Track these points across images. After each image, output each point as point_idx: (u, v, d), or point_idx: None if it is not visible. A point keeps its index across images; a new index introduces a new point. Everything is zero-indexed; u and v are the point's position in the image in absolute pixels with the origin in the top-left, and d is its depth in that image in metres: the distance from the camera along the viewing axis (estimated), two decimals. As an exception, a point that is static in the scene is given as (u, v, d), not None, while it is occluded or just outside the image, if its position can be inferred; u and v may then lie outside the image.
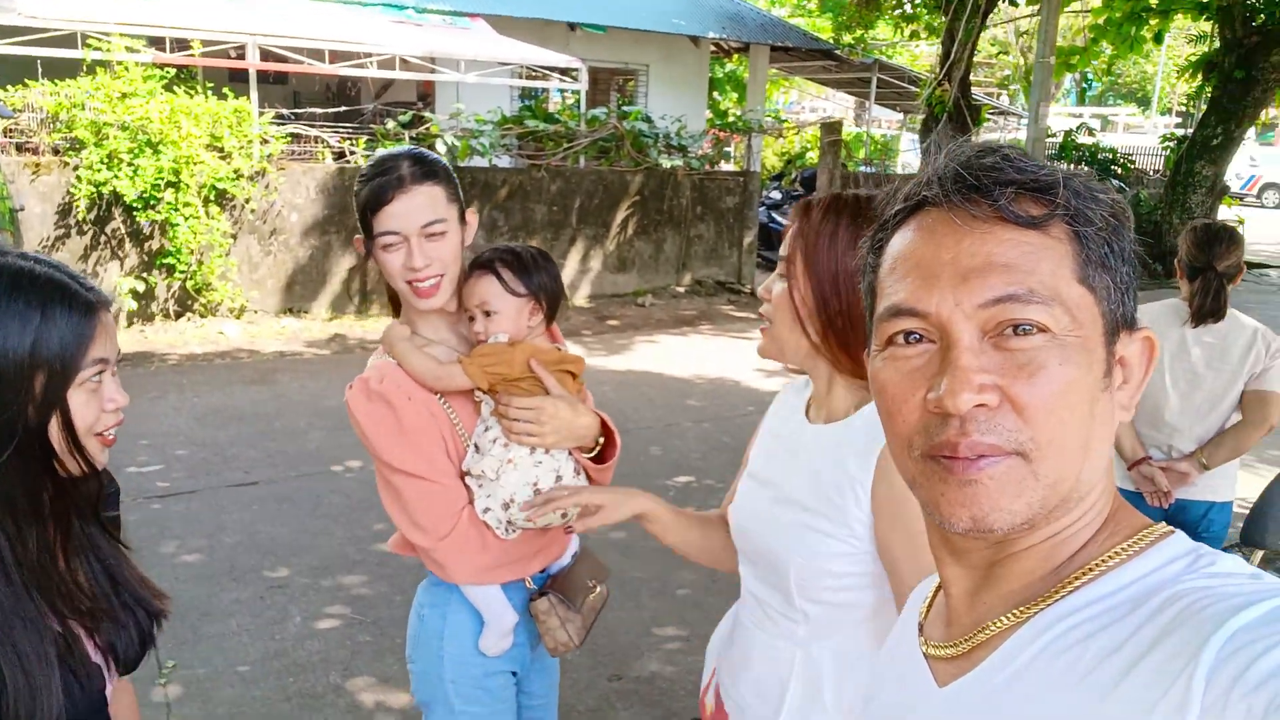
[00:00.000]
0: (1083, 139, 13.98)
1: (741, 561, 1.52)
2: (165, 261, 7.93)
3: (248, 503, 4.72)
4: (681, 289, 11.00)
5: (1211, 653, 0.56)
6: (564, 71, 11.01)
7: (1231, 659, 0.55)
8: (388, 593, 3.89)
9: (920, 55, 25.14)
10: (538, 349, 1.71)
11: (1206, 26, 13.35)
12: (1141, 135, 26.67)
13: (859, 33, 16.33)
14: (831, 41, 16.42)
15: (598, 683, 3.33)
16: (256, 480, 5.02)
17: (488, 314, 1.70)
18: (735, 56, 17.73)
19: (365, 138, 9.51)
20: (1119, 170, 13.88)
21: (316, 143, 9.36)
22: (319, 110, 10.20)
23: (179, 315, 8.30)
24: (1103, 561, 0.68)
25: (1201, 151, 12.43)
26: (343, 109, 10.72)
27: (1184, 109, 26.78)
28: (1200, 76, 12.71)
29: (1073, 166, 13.67)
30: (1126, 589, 0.66)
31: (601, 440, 1.77)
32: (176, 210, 7.70)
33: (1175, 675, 0.57)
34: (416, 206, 1.62)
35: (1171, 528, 0.70)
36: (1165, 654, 0.59)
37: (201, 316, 8.33)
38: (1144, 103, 35.23)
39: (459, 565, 1.71)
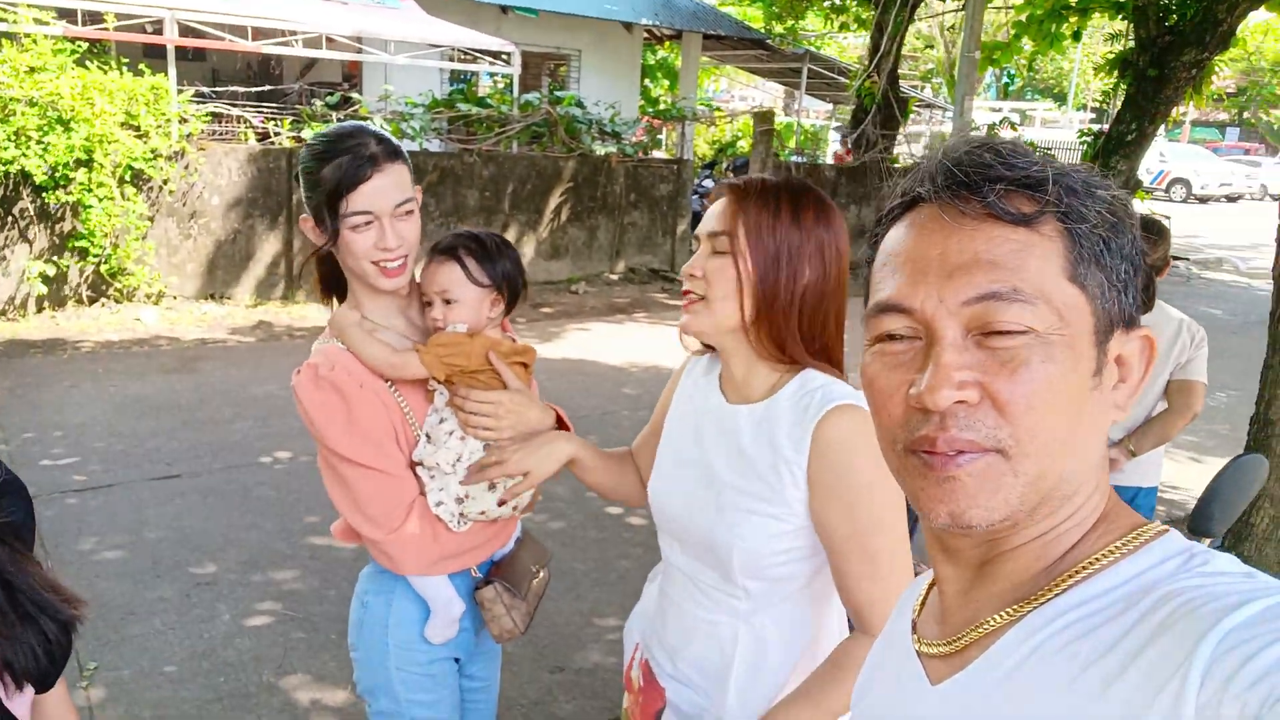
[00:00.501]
0: (1005, 133, 14.33)
1: (664, 537, 1.51)
2: (78, 244, 7.58)
3: (170, 496, 4.56)
4: (615, 276, 10.98)
5: (1206, 651, 0.56)
6: (495, 55, 10.85)
7: (1226, 657, 0.55)
8: (320, 587, 3.80)
9: (848, 47, 25.45)
10: (495, 341, 1.67)
11: (1122, 25, 13.77)
12: (1058, 130, 27.49)
13: (790, 23, 16.44)
14: (763, 31, 16.51)
15: (539, 675, 3.30)
16: (179, 473, 4.84)
17: (448, 302, 1.65)
18: (667, 44, 17.72)
19: (290, 118, 9.23)
20: (1039, 164, 14.28)
21: (239, 123, 9.06)
22: (241, 89, 9.87)
23: (93, 301, 7.96)
24: (1096, 560, 0.68)
25: (1117, 146, 12.81)
26: (266, 88, 10.39)
27: (1098, 105, 27.67)
28: (1116, 74, 13.12)
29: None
30: (1120, 588, 0.65)
31: None
32: (90, 191, 7.37)
33: (1170, 674, 0.57)
34: (390, 185, 1.57)
35: (1166, 526, 0.70)
36: (1159, 653, 0.59)
37: (117, 302, 8.00)
38: (1060, 98, 36.31)
39: (409, 557, 1.66)
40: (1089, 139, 14.43)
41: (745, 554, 1.34)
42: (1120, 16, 13.04)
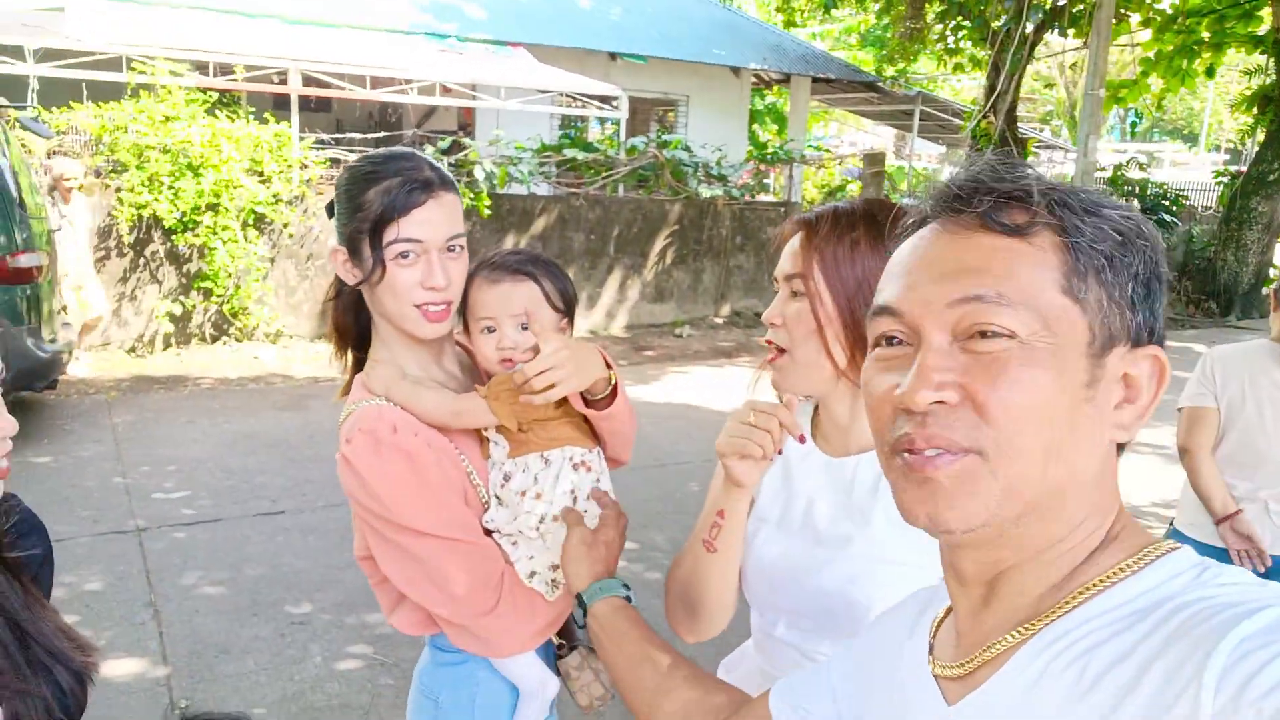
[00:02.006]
0: (1133, 174, 13.68)
1: (765, 612, 1.35)
2: (202, 285, 7.92)
3: (273, 533, 4.59)
4: (720, 320, 10.84)
5: (1220, 659, 0.56)
6: (604, 99, 10.97)
7: (1239, 665, 0.55)
8: (413, 632, 3.72)
9: (961, 90, 24.93)
10: None
11: (1260, 60, 13.02)
12: (1189, 172, 26.19)
13: (901, 66, 16.19)
14: (874, 74, 16.30)
15: (631, 738, 3.12)
16: (283, 509, 4.89)
17: (526, 326, 1.44)
18: (775, 88, 17.66)
19: (404, 164, 9.50)
20: (1170, 206, 13.56)
21: (356, 168, 9.37)
22: (359, 135, 10.22)
23: (215, 339, 8.28)
24: (1106, 578, 0.68)
25: (1257, 187, 12.11)
26: (383, 134, 10.75)
27: (1233, 145, 26.30)
28: (1255, 110, 12.41)
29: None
30: (1129, 603, 0.66)
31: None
32: (215, 234, 7.70)
33: (1184, 684, 0.57)
34: (443, 216, 1.40)
35: (1178, 544, 0.69)
36: (1172, 662, 0.58)
37: (237, 340, 8.30)
38: (1190, 139, 34.72)
39: (508, 638, 1.45)
40: (1225, 180, 13.67)
41: (884, 608, 1.20)
42: (1259, 50, 12.35)
